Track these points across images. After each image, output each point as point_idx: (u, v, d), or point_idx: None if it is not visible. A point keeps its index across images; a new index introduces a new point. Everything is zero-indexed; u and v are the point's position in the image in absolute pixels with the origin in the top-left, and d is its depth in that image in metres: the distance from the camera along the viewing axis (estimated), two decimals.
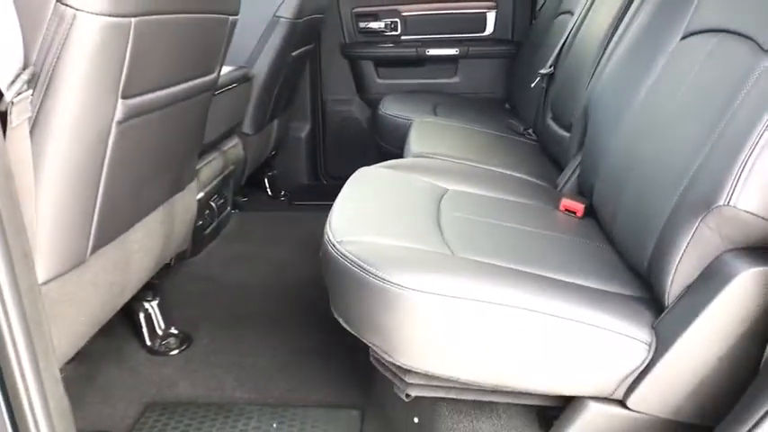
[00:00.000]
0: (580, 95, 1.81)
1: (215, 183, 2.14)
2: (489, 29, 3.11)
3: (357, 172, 1.55)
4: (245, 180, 2.65)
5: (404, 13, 3.13)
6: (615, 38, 1.67)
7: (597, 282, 1.14)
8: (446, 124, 2.32)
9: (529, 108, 2.53)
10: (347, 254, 1.07)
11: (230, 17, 1.54)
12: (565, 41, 2.11)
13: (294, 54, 2.52)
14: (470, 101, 3.00)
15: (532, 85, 2.20)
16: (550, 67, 2.12)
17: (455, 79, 3.13)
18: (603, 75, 1.61)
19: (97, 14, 0.95)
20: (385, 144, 2.58)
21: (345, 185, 1.44)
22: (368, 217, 1.27)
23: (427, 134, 2.10)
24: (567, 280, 1.11)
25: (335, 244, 1.11)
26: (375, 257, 1.04)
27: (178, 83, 1.34)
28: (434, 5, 3.13)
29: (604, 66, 1.65)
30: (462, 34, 3.11)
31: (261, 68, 2.32)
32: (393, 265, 1.02)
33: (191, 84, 1.45)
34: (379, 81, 3.16)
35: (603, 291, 1.11)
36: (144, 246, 1.44)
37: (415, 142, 1.93)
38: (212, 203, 2.20)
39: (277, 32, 2.29)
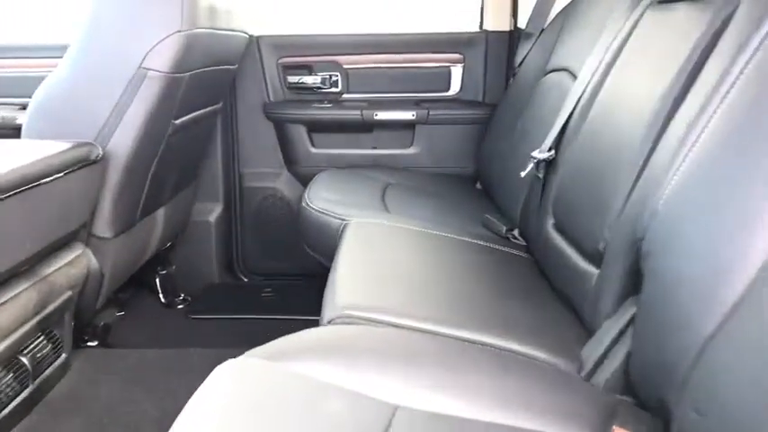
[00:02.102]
0: (612, 207, 1.10)
1: (24, 331, 1.33)
2: (455, 88, 2.46)
3: (217, 371, 0.79)
4: (131, 280, 1.95)
5: (346, 66, 2.45)
6: (680, 118, 0.97)
7: None
8: (396, 227, 1.58)
9: (510, 195, 1.83)
10: None
11: None
12: (571, 114, 1.42)
13: (179, 121, 1.76)
14: (431, 179, 2.31)
15: (523, 174, 1.49)
16: (550, 150, 1.42)
17: (411, 150, 2.44)
18: (672, 184, 0.90)
19: None
20: (312, 251, 1.81)
21: (177, 422, 0.67)
22: None
23: (364, 260, 1.33)
24: None
25: None
26: None
27: None
28: (385, 57, 2.46)
29: (667, 167, 0.94)
30: (421, 94, 2.44)
31: (120, 144, 1.55)
32: None
33: None
34: (314, 151, 2.45)
35: None
36: None
37: (341, 288, 1.13)
38: (24, 360, 1.40)
39: (145, 91, 1.52)
